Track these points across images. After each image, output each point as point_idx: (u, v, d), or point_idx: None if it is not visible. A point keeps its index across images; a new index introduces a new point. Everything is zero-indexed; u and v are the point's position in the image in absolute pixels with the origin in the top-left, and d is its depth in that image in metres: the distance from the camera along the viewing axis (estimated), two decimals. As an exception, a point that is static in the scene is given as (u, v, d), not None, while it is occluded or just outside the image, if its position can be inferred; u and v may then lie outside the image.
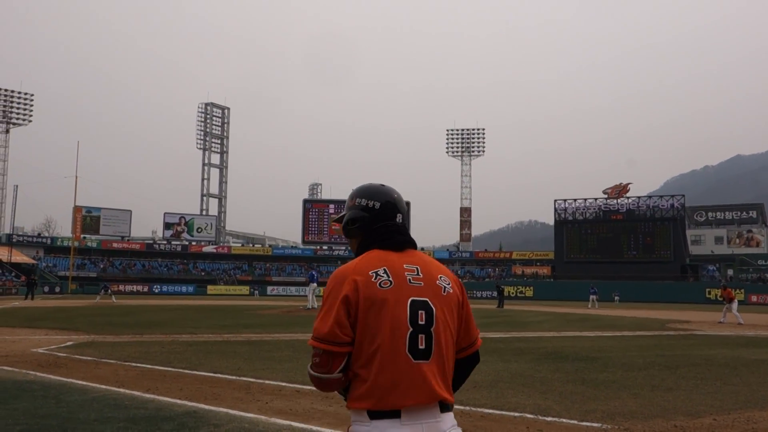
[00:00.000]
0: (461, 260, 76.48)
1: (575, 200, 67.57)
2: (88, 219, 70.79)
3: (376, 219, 2.15)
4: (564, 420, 5.81)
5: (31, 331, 15.44)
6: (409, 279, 1.99)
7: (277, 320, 20.44)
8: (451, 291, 2.04)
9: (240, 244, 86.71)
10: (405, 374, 1.88)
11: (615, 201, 66.20)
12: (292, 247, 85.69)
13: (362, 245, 2.14)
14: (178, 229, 74.89)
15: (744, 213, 71.62)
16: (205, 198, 79.96)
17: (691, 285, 58.05)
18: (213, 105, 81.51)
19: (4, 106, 69.55)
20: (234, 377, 8.17)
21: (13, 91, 70.45)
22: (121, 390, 7.11)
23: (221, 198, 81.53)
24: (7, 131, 70.19)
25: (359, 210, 2.17)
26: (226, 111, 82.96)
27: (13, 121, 70.26)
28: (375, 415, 1.87)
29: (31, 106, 71.23)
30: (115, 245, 72.07)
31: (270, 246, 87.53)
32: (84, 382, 7.59)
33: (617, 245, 64.02)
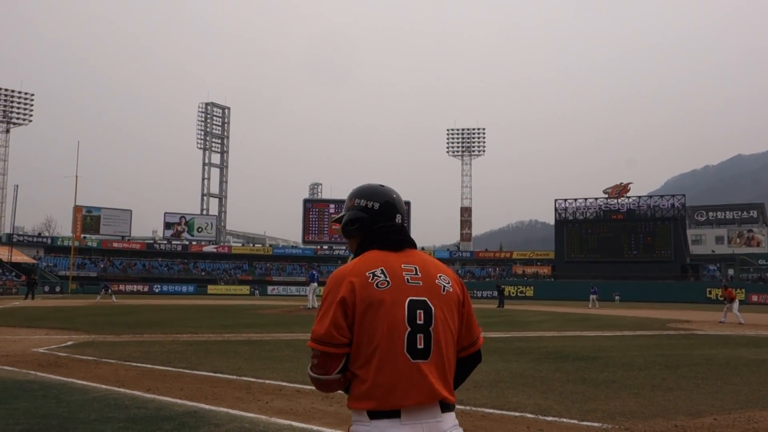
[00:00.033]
0: (462, 260, 76.49)
1: (576, 200, 67.57)
2: (88, 219, 70.83)
3: (375, 219, 2.15)
4: (564, 420, 5.80)
5: (32, 330, 15.44)
6: (407, 279, 1.98)
7: (278, 320, 20.44)
8: (451, 290, 2.03)
9: (240, 244, 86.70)
10: (404, 374, 1.88)
11: (615, 201, 66.19)
12: (292, 246, 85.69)
13: (361, 246, 2.14)
14: (179, 228, 74.90)
15: (744, 212, 71.63)
16: (205, 198, 79.96)
17: (692, 285, 58.04)
18: (213, 105, 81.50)
19: (5, 105, 69.56)
20: (234, 377, 8.17)
21: (13, 91, 70.46)
22: (122, 390, 7.11)
23: (221, 198, 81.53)
24: (8, 131, 70.21)
25: (358, 210, 2.17)
26: (226, 111, 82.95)
27: (14, 120, 70.28)
28: (375, 415, 1.87)
29: (32, 105, 71.27)
30: (115, 245, 72.10)
31: (270, 246, 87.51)
32: (84, 382, 7.59)
33: (618, 245, 64.02)
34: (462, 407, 6.04)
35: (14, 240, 64.00)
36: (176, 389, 7.18)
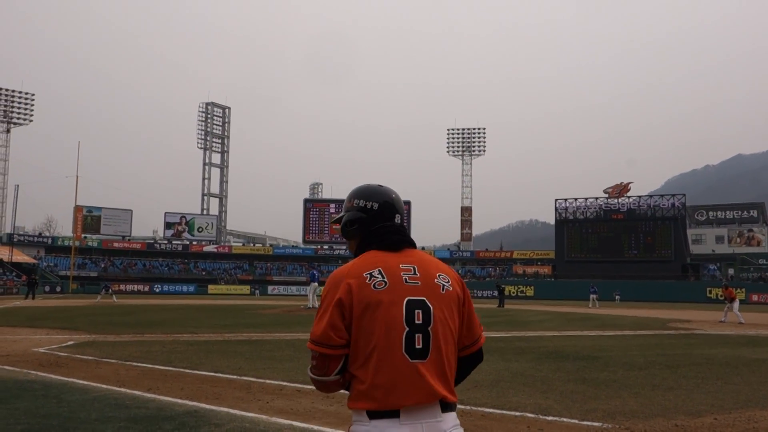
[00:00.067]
0: (462, 260, 76.50)
1: (576, 199, 67.57)
2: (88, 218, 70.85)
3: (374, 220, 2.15)
4: (565, 419, 5.81)
5: (32, 330, 15.45)
6: (405, 279, 1.98)
7: (278, 319, 20.44)
8: (451, 289, 2.03)
9: (241, 244, 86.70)
10: (402, 374, 1.88)
11: (616, 200, 66.17)
12: (292, 246, 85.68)
13: (361, 246, 2.14)
14: (179, 228, 74.92)
15: (745, 212, 71.63)
16: (205, 197, 79.98)
17: (692, 284, 58.03)
18: (214, 104, 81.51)
19: (5, 105, 69.59)
20: (235, 377, 8.17)
21: (13, 91, 70.50)
22: (122, 389, 7.11)
23: (222, 197, 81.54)
24: (8, 131, 70.25)
25: (357, 211, 2.18)
26: (226, 110, 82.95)
27: (14, 120, 70.31)
28: (374, 415, 1.87)
29: (32, 105, 71.30)
30: (115, 245, 72.13)
31: (271, 245, 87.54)
32: (85, 382, 7.59)
33: (618, 244, 64.00)
34: (462, 407, 6.04)
35: (15, 240, 64.02)
36: (177, 389, 7.19)
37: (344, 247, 72.47)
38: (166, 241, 75.09)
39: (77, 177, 58.77)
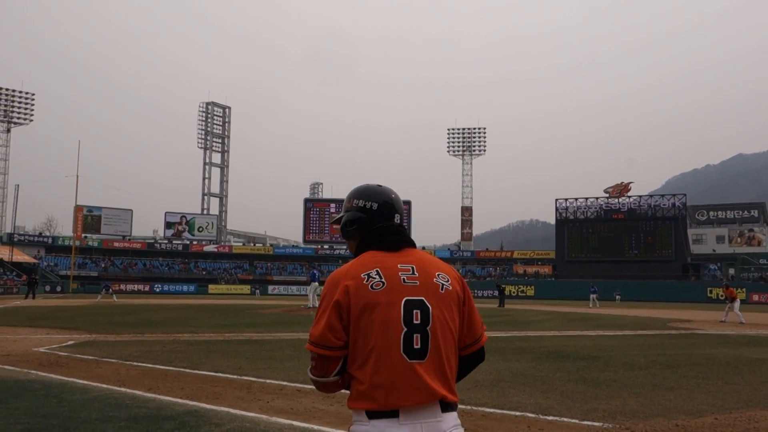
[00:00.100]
0: (462, 259, 76.51)
1: (576, 199, 67.58)
2: (89, 218, 70.88)
3: (373, 220, 2.14)
4: (565, 419, 5.80)
5: (33, 330, 15.45)
6: (404, 279, 1.98)
7: (278, 319, 20.45)
8: (450, 288, 2.02)
9: (241, 244, 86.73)
10: (400, 375, 1.88)
11: (616, 200, 66.18)
12: (293, 246, 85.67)
13: (360, 246, 2.14)
14: (179, 228, 74.95)
15: (745, 212, 71.62)
16: (206, 197, 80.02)
17: (693, 284, 58.02)
18: (214, 104, 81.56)
19: (5, 105, 69.62)
20: (235, 376, 8.17)
21: (14, 91, 70.53)
22: (123, 389, 7.11)
23: (222, 197, 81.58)
24: (8, 130, 70.28)
25: (357, 211, 2.17)
26: (227, 110, 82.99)
27: (14, 120, 70.35)
28: (373, 415, 1.87)
29: (32, 105, 71.34)
30: (116, 244, 72.17)
31: (271, 245, 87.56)
32: (85, 382, 7.59)
33: (618, 244, 64.00)
34: (463, 406, 6.03)
35: (15, 240, 64.06)
36: (177, 389, 7.19)
37: (344, 247, 72.49)
38: (166, 241, 75.13)
39: (77, 177, 58.89)
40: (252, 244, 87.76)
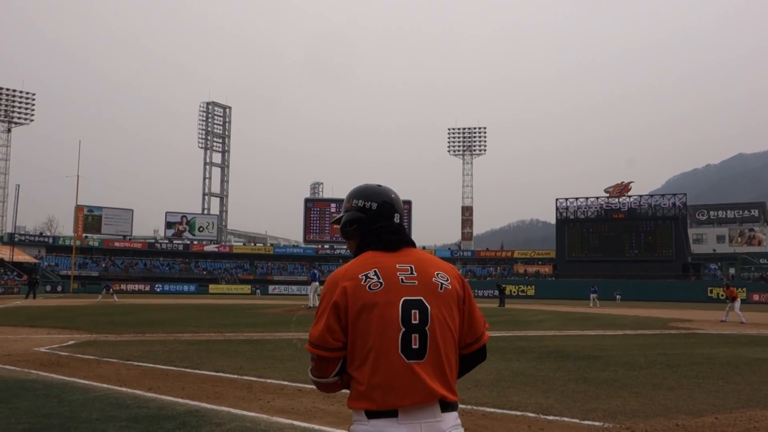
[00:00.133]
0: (463, 259, 76.48)
1: (577, 199, 67.58)
2: (89, 218, 70.88)
3: (373, 220, 2.14)
4: (565, 419, 5.81)
5: (33, 330, 15.46)
6: (402, 279, 1.98)
7: (279, 319, 20.45)
8: (450, 287, 2.01)
9: (241, 243, 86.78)
10: (399, 375, 1.88)
11: (616, 200, 66.19)
12: (293, 246, 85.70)
13: (360, 246, 2.15)
14: (180, 228, 74.95)
15: (746, 211, 71.58)
16: (206, 197, 80.00)
17: (693, 284, 58.01)
18: (214, 104, 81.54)
19: (6, 105, 69.61)
20: (236, 376, 8.18)
21: (14, 91, 70.52)
22: (123, 389, 7.12)
23: (223, 197, 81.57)
24: (9, 130, 70.28)
25: (356, 211, 2.18)
26: (227, 110, 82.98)
27: (15, 120, 70.34)
28: (372, 414, 1.88)
29: (33, 105, 71.33)
30: (116, 244, 72.17)
31: (271, 245, 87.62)
32: (86, 381, 7.60)
33: (619, 244, 64.01)
34: (463, 406, 6.04)
35: (16, 239, 64.09)
36: (178, 388, 7.19)
37: (345, 247, 72.38)
38: (166, 241, 75.13)
39: (78, 176, 58.93)
40: (252, 244, 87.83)
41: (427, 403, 1.88)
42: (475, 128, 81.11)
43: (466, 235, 79.92)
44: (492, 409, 6.17)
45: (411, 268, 2.01)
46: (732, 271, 61.66)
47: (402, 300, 1.94)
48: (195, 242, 74.84)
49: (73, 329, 15.45)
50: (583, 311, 30.09)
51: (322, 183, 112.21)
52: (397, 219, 2.18)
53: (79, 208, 67.49)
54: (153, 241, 77.42)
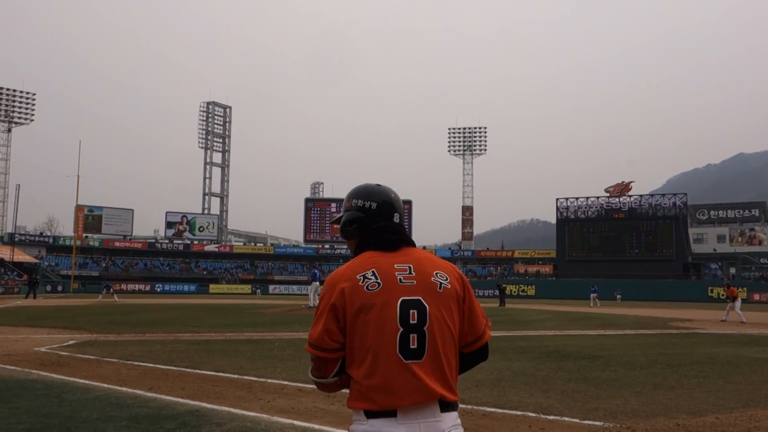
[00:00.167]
0: (463, 259, 76.45)
1: (577, 198, 67.58)
2: (90, 218, 70.88)
3: (372, 219, 2.14)
4: (566, 418, 5.80)
5: (34, 330, 15.46)
6: (400, 279, 1.98)
7: (279, 319, 20.45)
8: (449, 286, 2.01)
9: (242, 243, 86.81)
10: (397, 375, 1.88)
11: (617, 199, 66.19)
12: (293, 246, 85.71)
13: (359, 246, 2.14)
14: (180, 228, 74.96)
15: (746, 211, 71.56)
16: (207, 197, 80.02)
17: (694, 283, 58.01)
18: (215, 104, 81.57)
19: (6, 105, 69.64)
20: (236, 376, 8.18)
21: (15, 91, 70.55)
22: (124, 389, 7.12)
23: (223, 197, 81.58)
24: (9, 130, 70.31)
25: (356, 211, 2.17)
26: (227, 110, 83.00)
27: (15, 120, 70.37)
28: (372, 414, 1.88)
29: (33, 105, 71.37)
30: (117, 244, 72.20)
31: (272, 245, 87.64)
32: (86, 381, 7.60)
33: (619, 244, 64.00)
34: (463, 406, 6.03)
35: (16, 239, 64.09)
36: (178, 388, 7.19)
37: (345, 247, 72.34)
38: (167, 241, 75.14)
39: (78, 176, 58.93)
40: (253, 244, 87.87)
41: (425, 403, 1.88)
42: (475, 128, 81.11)
43: (467, 235, 79.91)
44: (492, 409, 6.17)
45: (409, 267, 2.01)
46: (732, 270, 61.67)
47: (400, 300, 1.94)
48: (195, 242, 74.86)
49: (74, 329, 15.45)
50: (583, 311, 30.08)
51: (322, 183, 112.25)
52: (396, 219, 2.17)
53: (79, 208, 67.46)
54: (153, 241, 77.42)
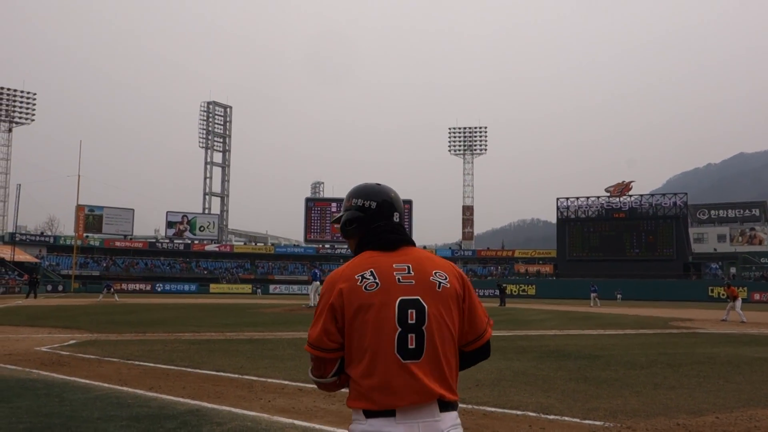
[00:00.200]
0: (463, 258, 76.47)
1: (577, 198, 67.58)
2: (90, 218, 70.93)
3: (372, 219, 2.15)
4: (566, 418, 5.80)
5: (34, 329, 15.47)
6: (398, 278, 1.98)
7: (280, 318, 20.46)
8: (448, 286, 2.00)
9: (242, 243, 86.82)
10: (395, 375, 1.88)
11: (617, 199, 66.20)
12: (294, 245, 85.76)
13: (359, 246, 2.15)
14: (181, 227, 75.00)
15: (747, 211, 71.58)
16: (207, 196, 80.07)
17: (694, 283, 58.01)
18: (215, 103, 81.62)
19: (7, 105, 69.70)
20: (237, 375, 8.18)
21: (15, 90, 70.62)
22: (124, 388, 7.12)
23: (224, 196, 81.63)
24: (10, 130, 70.37)
25: (356, 210, 2.18)
26: (228, 109, 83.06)
27: (16, 120, 70.44)
28: (371, 414, 1.88)
29: (34, 105, 71.46)
30: (117, 244, 72.24)
31: (272, 245, 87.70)
32: (87, 381, 7.61)
33: (620, 243, 64.01)
34: (464, 406, 6.04)
35: (17, 239, 64.10)
36: (179, 388, 7.20)
37: (346, 246, 72.40)
38: (167, 240, 75.18)
39: (79, 176, 58.99)
40: (253, 244, 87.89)
41: (424, 403, 1.88)
42: (475, 128, 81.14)
43: (467, 235, 79.93)
44: (493, 409, 6.17)
45: (408, 267, 2.01)
46: (733, 270, 61.68)
47: (398, 300, 1.94)
48: (196, 242, 74.89)
49: (74, 329, 15.46)
50: (583, 311, 30.08)
51: (323, 182, 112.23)
52: (396, 218, 2.17)
53: (80, 208, 67.50)
54: (154, 240, 77.46)
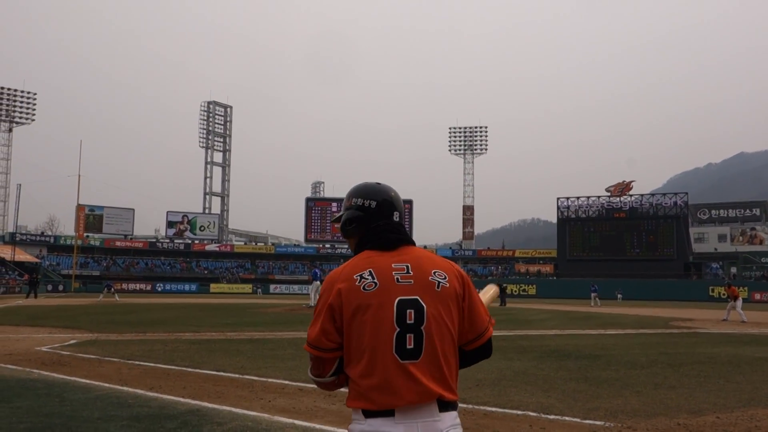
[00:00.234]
0: (464, 258, 76.46)
1: (578, 198, 67.57)
2: (91, 217, 70.94)
3: (372, 218, 2.14)
4: (567, 418, 5.80)
5: (35, 329, 15.47)
6: (397, 278, 1.97)
7: (280, 318, 20.47)
8: (447, 285, 2.00)
9: (243, 243, 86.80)
10: (393, 375, 1.88)
11: (618, 199, 66.21)
12: (294, 245, 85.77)
13: (359, 245, 2.14)
14: (181, 227, 75.02)
15: (747, 210, 71.56)
16: (207, 196, 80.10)
17: (695, 283, 57.99)
18: (215, 103, 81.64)
19: (8, 105, 69.76)
20: (237, 375, 8.18)
21: (16, 90, 70.67)
22: (125, 388, 7.12)
23: (224, 196, 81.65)
24: (10, 130, 70.42)
25: (355, 210, 2.17)
26: (228, 109, 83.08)
27: (16, 120, 70.49)
28: (370, 414, 1.88)
29: (34, 105, 71.54)
30: (118, 244, 72.26)
31: (273, 244, 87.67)
32: (87, 381, 7.61)
33: (620, 243, 64.01)
34: (464, 405, 6.04)
35: (17, 239, 64.14)
36: (179, 388, 7.20)
37: (346, 246, 72.44)
38: (168, 240, 75.21)
39: (79, 176, 59.06)
40: (254, 243, 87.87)
41: (423, 403, 1.88)
42: (476, 128, 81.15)
43: (468, 235, 79.95)
44: (493, 408, 6.17)
45: (407, 267, 2.01)
46: (733, 270, 61.64)
47: (397, 300, 1.93)
48: (196, 241, 74.91)
49: (75, 328, 15.46)
50: (584, 310, 30.08)
51: (323, 182, 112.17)
52: (396, 217, 2.17)
53: (80, 208, 67.50)
54: (154, 240, 77.50)
